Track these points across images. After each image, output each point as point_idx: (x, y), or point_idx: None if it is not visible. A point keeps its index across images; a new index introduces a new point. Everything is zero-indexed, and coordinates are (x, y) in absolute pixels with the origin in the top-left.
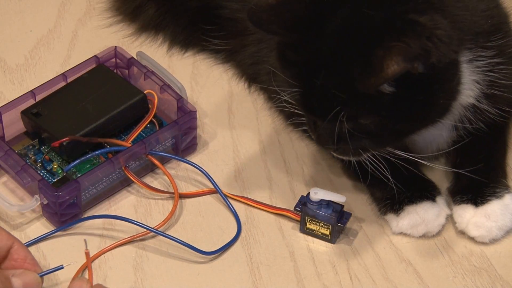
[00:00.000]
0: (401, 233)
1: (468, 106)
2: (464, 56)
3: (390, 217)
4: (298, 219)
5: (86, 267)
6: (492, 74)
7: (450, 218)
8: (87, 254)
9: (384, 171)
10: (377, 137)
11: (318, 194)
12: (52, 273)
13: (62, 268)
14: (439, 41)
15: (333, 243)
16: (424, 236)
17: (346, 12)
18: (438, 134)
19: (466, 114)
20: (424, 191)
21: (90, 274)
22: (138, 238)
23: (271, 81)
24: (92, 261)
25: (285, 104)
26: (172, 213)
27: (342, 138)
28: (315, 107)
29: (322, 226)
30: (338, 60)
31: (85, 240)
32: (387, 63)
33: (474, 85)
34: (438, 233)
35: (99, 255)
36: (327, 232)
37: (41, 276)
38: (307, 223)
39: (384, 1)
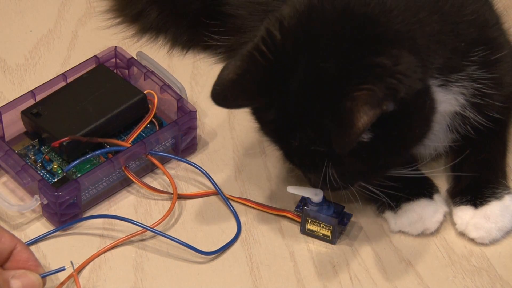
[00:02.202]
0: (400, 232)
1: (454, 114)
2: (435, 80)
3: (388, 215)
4: (299, 220)
5: (85, 266)
6: (475, 84)
7: (450, 218)
8: (75, 275)
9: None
10: (364, 173)
11: (293, 190)
12: (53, 274)
13: (64, 269)
14: (403, 76)
15: (334, 244)
16: (422, 233)
17: (303, 69)
18: (434, 136)
19: (454, 122)
20: (421, 189)
21: None
22: (138, 238)
23: None
24: (92, 260)
25: None
26: (170, 211)
27: (332, 179)
28: (297, 162)
29: (323, 227)
30: (308, 120)
31: (71, 262)
32: (356, 116)
33: (458, 96)
34: (437, 231)
35: (99, 255)
36: (328, 233)
37: (43, 277)
38: (308, 224)
39: (337, 50)
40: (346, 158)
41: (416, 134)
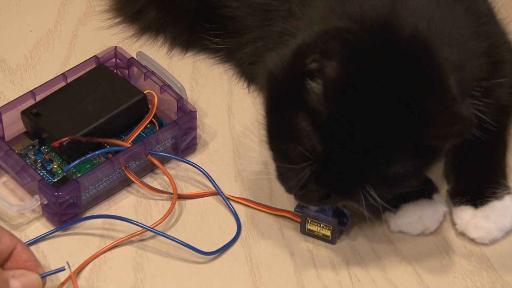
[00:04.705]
0: (400, 232)
1: None
2: None
3: (388, 215)
4: (298, 220)
5: (85, 266)
6: (471, 110)
7: (450, 218)
8: (72, 276)
9: None
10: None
11: None
12: (53, 274)
13: (64, 269)
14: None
15: (334, 243)
16: (422, 233)
17: (377, 88)
18: None
19: None
20: (420, 189)
21: None
22: (138, 238)
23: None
24: (92, 260)
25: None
26: (170, 211)
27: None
28: (335, 181)
29: (323, 227)
30: (385, 137)
31: (67, 262)
32: (459, 108)
33: None
34: (437, 231)
35: (99, 255)
36: (328, 233)
37: (43, 278)
38: (308, 224)
39: (407, 71)
40: (392, 180)
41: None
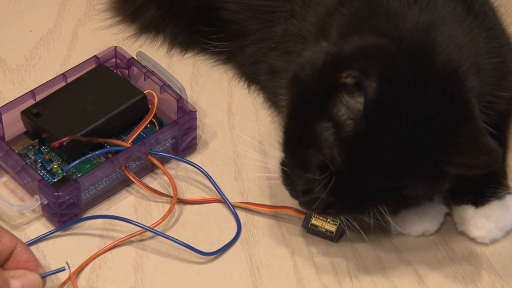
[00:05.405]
0: (400, 233)
1: None
2: None
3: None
4: (300, 215)
5: (85, 266)
6: None
7: (450, 218)
8: (71, 276)
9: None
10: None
11: None
12: (53, 274)
13: (64, 269)
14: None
15: (335, 241)
16: (422, 234)
17: (409, 117)
18: None
19: None
20: None
21: None
22: (137, 238)
23: (270, 80)
24: (92, 260)
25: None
26: (170, 211)
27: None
28: (348, 195)
29: (329, 222)
30: (412, 163)
31: (67, 262)
32: (485, 140)
33: None
34: (438, 232)
35: (99, 255)
36: (333, 228)
37: (43, 278)
38: (313, 219)
39: (441, 101)
40: (406, 199)
41: None
